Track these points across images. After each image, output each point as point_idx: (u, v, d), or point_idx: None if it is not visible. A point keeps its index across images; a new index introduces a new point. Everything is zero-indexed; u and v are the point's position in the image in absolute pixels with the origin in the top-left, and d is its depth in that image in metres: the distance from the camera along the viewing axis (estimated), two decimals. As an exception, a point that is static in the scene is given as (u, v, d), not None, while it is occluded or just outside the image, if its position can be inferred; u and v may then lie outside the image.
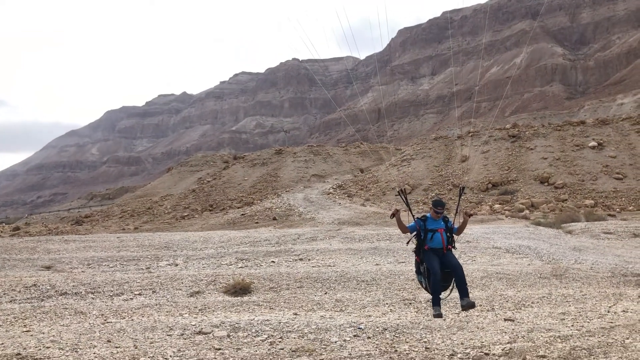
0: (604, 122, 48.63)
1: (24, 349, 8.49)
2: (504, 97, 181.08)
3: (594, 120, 51.07)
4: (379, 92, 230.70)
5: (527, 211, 34.53)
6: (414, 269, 9.24)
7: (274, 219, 37.66)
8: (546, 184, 39.81)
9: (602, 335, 9.50)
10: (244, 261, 19.01)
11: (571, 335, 9.53)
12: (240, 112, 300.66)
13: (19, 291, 13.80)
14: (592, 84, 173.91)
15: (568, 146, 44.57)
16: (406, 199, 9.01)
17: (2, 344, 8.87)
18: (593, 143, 43.57)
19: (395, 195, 8.24)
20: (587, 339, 9.27)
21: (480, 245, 21.36)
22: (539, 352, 8.56)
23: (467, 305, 8.65)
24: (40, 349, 8.48)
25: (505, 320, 10.82)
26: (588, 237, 24.34)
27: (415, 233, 8.86)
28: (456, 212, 8.99)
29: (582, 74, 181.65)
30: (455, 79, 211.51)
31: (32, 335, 9.62)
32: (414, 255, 9.02)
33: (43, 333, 9.77)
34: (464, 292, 8.65)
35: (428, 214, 8.94)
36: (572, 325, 10.29)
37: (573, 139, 45.37)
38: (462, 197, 9.83)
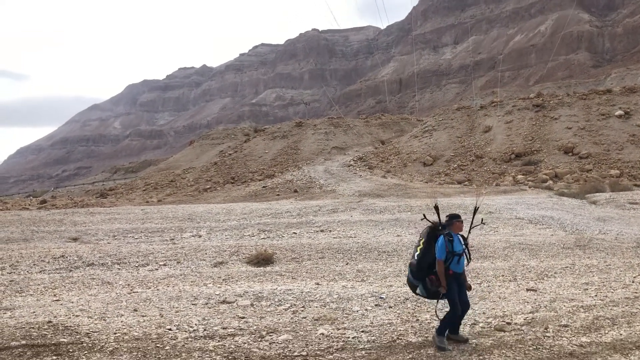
0: (631, 90, 47.43)
1: (55, 317, 8.74)
2: (529, 65, 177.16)
3: (621, 88, 49.84)
4: (400, 62, 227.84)
5: (551, 182, 34.12)
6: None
7: (295, 191, 37.81)
8: (570, 154, 39.18)
9: (626, 305, 9.44)
10: (266, 232, 19.18)
11: (594, 305, 9.49)
12: (260, 84, 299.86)
13: (48, 262, 14.15)
14: (620, 51, 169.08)
15: (593, 115, 43.67)
16: (439, 215, 7.66)
17: (34, 312, 9.14)
18: (620, 112, 42.62)
19: (421, 220, 7.46)
20: (611, 309, 9.22)
21: (503, 216, 21.22)
22: (561, 321, 8.55)
23: (462, 340, 7.64)
24: (70, 317, 8.72)
25: (527, 290, 10.80)
26: (613, 207, 24.00)
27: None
28: (469, 231, 7.84)
29: (609, 41, 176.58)
30: (478, 48, 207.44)
31: (61, 304, 9.89)
32: (428, 271, 7.44)
33: (72, 302, 10.04)
34: (457, 327, 7.78)
35: (451, 232, 7.53)
36: (596, 295, 10.23)
37: (599, 108, 44.41)
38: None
